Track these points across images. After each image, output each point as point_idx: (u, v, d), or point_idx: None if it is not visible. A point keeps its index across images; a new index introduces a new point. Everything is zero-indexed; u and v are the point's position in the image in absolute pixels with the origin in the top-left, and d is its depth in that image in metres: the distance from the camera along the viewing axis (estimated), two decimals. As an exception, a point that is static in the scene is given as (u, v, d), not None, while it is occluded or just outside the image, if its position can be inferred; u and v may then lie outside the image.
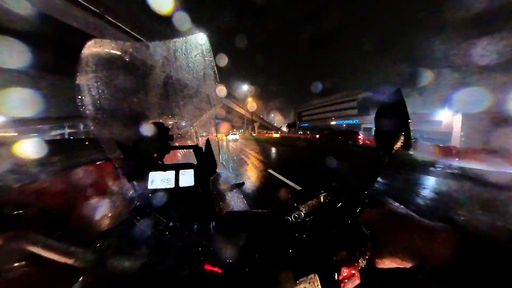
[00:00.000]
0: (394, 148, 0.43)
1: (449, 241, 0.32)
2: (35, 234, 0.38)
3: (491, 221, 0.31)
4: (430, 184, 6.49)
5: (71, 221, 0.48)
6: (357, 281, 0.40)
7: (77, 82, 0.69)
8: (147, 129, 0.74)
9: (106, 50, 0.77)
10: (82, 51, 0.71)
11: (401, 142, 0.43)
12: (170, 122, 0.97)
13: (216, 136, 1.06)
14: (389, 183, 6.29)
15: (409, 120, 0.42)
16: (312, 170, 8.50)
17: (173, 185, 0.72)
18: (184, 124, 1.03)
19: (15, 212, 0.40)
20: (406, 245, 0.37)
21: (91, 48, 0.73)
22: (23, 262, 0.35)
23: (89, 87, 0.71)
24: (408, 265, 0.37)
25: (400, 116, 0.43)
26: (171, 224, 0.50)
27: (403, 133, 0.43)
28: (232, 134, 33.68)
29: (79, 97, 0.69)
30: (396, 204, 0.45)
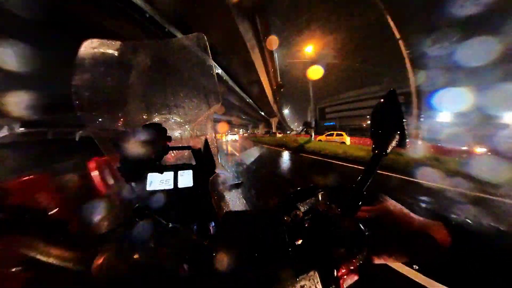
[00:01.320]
0: (390, 147, 0.44)
1: (442, 237, 0.34)
2: (34, 238, 0.37)
3: (479, 219, 0.33)
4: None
5: (70, 224, 0.47)
6: (356, 277, 0.41)
7: (74, 82, 0.68)
8: (145, 130, 0.74)
9: (103, 49, 0.76)
10: (79, 51, 0.70)
11: (396, 141, 0.44)
12: (168, 123, 0.97)
13: (215, 136, 1.06)
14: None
15: (403, 120, 0.44)
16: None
17: (172, 186, 0.71)
18: (182, 124, 1.02)
19: (13, 216, 0.39)
20: (402, 241, 0.38)
21: (88, 48, 0.72)
22: (22, 267, 0.35)
23: (86, 88, 0.70)
24: (404, 260, 0.39)
25: (395, 116, 0.44)
26: (170, 225, 0.50)
27: (398, 133, 0.44)
28: (231, 134, 31.19)
29: (76, 97, 0.68)
30: (392, 201, 0.46)
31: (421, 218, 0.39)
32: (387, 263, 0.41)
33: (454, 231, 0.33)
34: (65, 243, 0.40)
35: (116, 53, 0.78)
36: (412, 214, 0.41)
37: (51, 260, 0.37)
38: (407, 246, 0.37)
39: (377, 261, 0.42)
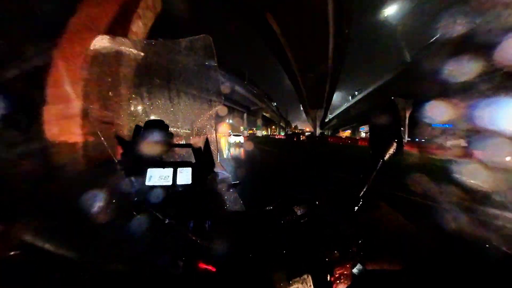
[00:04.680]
0: (388, 154, 0.45)
1: (435, 246, 0.34)
2: (34, 225, 0.38)
3: (472, 226, 0.33)
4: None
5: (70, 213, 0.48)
6: (349, 282, 0.41)
7: (82, 76, 0.69)
8: (148, 126, 0.75)
9: (112, 47, 0.78)
10: (89, 48, 0.72)
11: (394, 149, 0.45)
12: (170, 120, 0.98)
13: (216, 136, 1.07)
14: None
15: (401, 128, 0.45)
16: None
17: (170, 183, 0.72)
18: (184, 122, 1.04)
19: (14, 203, 0.40)
20: (395, 247, 0.38)
21: (97, 45, 0.74)
22: (21, 251, 0.36)
23: (93, 82, 0.72)
24: (397, 267, 0.39)
25: (393, 123, 0.45)
26: (167, 221, 0.50)
27: (396, 140, 0.45)
28: (234, 135, 25.23)
29: (84, 92, 0.70)
30: (388, 208, 0.46)
31: (415, 227, 0.40)
32: (381, 269, 0.41)
33: (448, 239, 0.34)
34: (64, 232, 0.41)
35: (123, 51, 0.80)
36: (406, 221, 0.41)
37: (49, 247, 0.38)
38: (401, 254, 0.38)
39: (371, 266, 0.42)
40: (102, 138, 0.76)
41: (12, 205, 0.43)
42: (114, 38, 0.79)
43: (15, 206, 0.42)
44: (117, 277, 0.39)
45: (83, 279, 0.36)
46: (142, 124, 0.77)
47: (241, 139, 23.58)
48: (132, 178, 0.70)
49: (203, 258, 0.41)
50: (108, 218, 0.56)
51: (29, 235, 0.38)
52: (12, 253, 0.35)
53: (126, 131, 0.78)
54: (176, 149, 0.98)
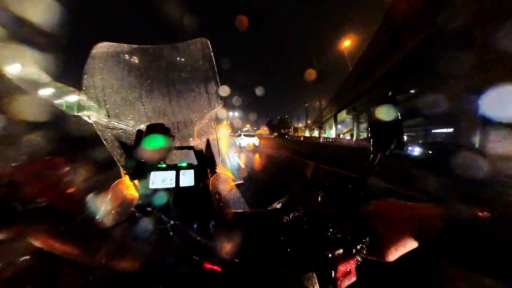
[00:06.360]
0: (388, 148, 0.45)
1: (439, 219, 0.34)
2: (40, 229, 0.39)
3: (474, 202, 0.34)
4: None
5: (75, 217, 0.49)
6: (354, 278, 0.41)
7: (83, 83, 0.71)
8: (149, 130, 0.76)
9: (112, 53, 0.80)
10: (90, 53, 0.74)
11: (395, 143, 0.45)
12: (171, 123, 1.00)
13: (217, 137, 1.08)
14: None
15: (402, 123, 0.45)
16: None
17: (173, 185, 0.73)
18: (185, 125, 1.05)
19: (21, 208, 0.41)
20: (401, 231, 0.39)
21: (99, 51, 0.76)
22: (30, 256, 0.37)
23: (94, 88, 0.74)
24: (402, 250, 0.39)
25: (393, 118, 0.45)
26: (171, 222, 0.51)
27: (396, 135, 0.45)
28: (245, 135, 16.87)
29: (85, 98, 0.71)
30: (391, 200, 0.46)
31: (418, 204, 0.40)
32: (385, 263, 0.41)
33: (451, 212, 0.34)
34: (71, 235, 0.42)
35: (123, 56, 0.82)
36: (410, 204, 0.42)
37: (57, 250, 0.39)
38: (406, 234, 0.38)
39: (375, 257, 0.42)
40: (106, 144, 0.78)
41: (19, 209, 0.44)
42: (113, 43, 0.81)
43: (22, 210, 0.43)
44: (124, 278, 0.40)
45: (91, 280, 0.37)
46: (143, 129, 0.78)
47: (255, 141, 16.16)
48: (136, 182, 0.71)
49: (208, 258, 0.41)
50: (114, 221, 0.57)
51: (37, 239, 0.39)
52: (22, 258, 0.35)
53: (128, 136, 0.79)
54: (178, 151, 0.99)
